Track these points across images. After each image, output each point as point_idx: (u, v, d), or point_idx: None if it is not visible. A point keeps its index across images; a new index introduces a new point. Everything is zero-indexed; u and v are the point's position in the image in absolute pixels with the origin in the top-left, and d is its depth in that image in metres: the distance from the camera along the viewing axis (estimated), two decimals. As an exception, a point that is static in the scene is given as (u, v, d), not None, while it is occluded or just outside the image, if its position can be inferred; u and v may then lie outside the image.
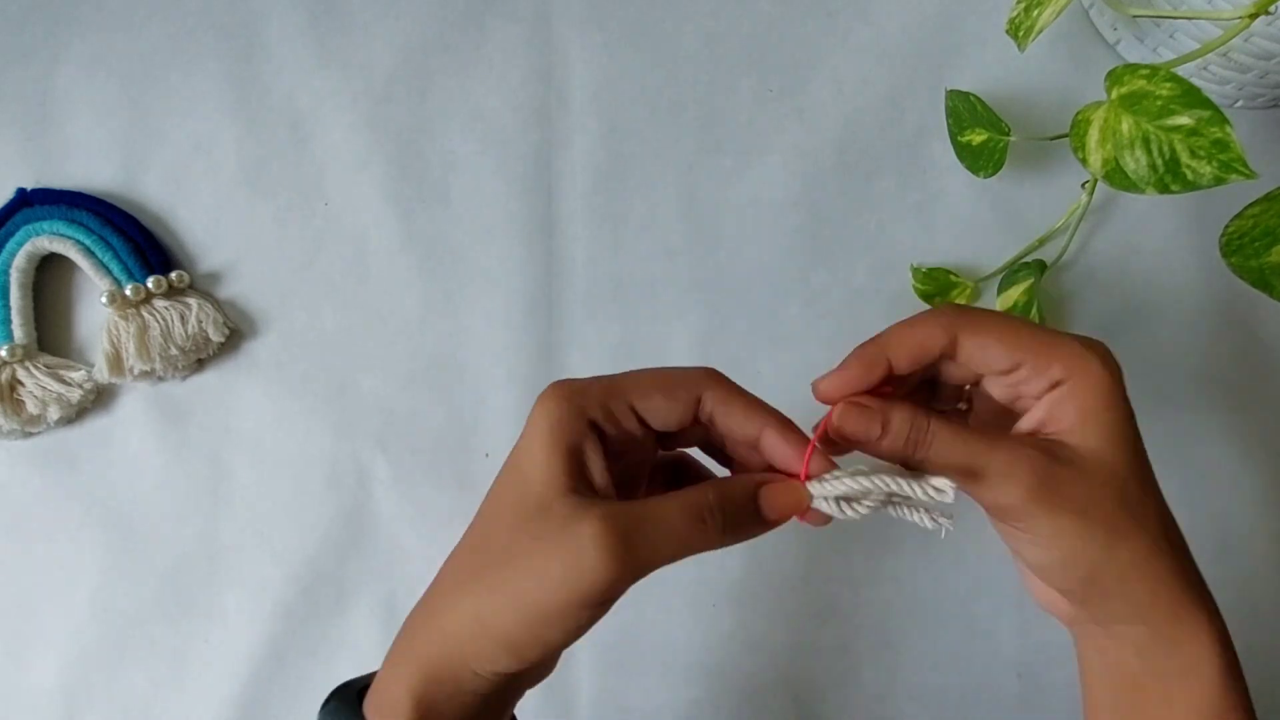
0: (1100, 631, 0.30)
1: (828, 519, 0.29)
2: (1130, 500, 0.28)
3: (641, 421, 0.29)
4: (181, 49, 0.56)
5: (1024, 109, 0.51)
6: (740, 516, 0.28)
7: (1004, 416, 0.31)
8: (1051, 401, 0.28)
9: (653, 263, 0.51)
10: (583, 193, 0.52)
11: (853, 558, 0.47)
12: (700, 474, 0.34)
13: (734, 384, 0.30)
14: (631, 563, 0.25)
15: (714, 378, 0.30)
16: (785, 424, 0.29)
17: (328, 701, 0.30)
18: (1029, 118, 0.50)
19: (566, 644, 0.27)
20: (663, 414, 0.29)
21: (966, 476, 0.28)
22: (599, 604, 0.26)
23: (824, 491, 0.28)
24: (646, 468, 0.32)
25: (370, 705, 0.29)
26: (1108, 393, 0.28)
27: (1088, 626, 0.31)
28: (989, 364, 0.29)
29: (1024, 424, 0.29)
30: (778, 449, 0.29)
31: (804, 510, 0.29)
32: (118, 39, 0.56)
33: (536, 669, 0.30)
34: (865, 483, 0.28)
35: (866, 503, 0.29)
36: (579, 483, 0.27)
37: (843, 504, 0.29)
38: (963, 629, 0.46)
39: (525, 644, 0.26)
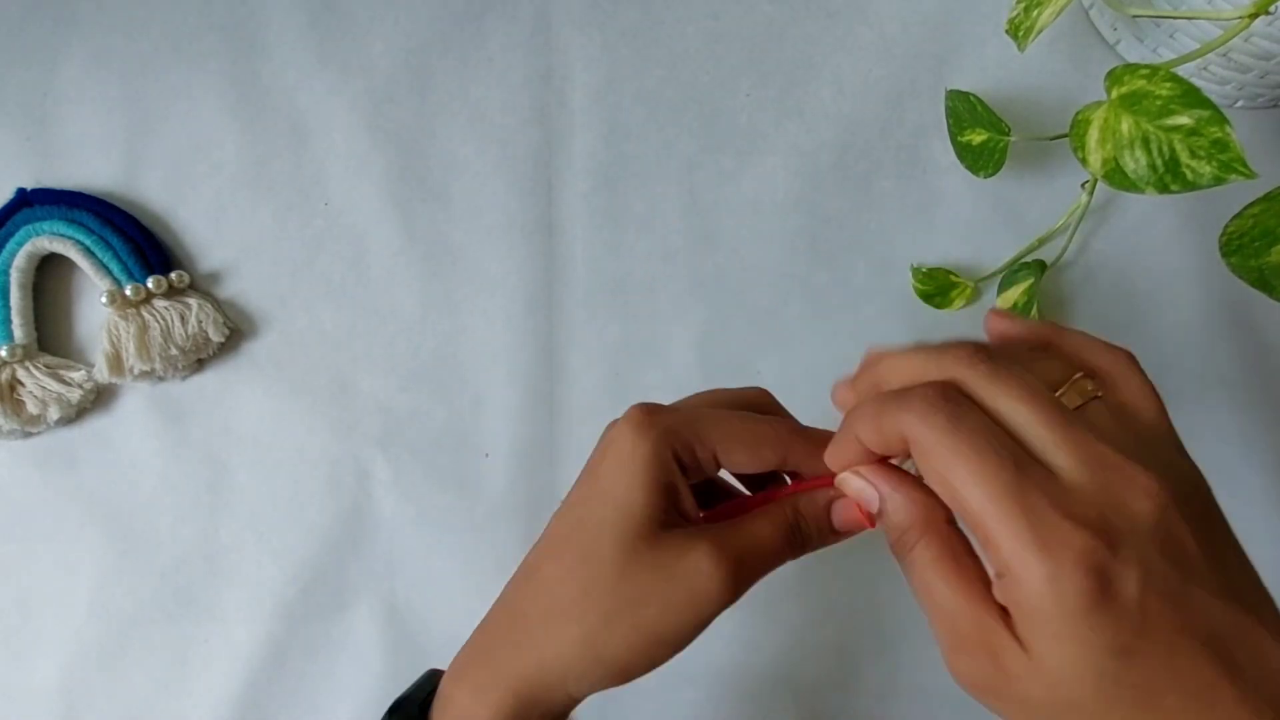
0: None
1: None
2: None
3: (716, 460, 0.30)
4: (181, 49, 0.56)
5: (1024, 109, 0.51)
6: (818, 529, 0.29)
7: None
8: (999, 586, 0.23)
9: (653, 263, 0.51)
10: (583, 193, 0.52)
11: (853, 558, 0.47)
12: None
13: (818, 440, 0.29)
14: (743, 583, 0.28)
15: (800, 438, 0.29)
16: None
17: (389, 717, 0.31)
18: (1029, 118, 0.50)
19: (667, 660, 0.28)
20: (742, 465, 0.30)
21: None
22: (709, 623, 0.28)
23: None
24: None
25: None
26: (1049, 615, 0.21)
27: None
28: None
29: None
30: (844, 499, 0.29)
31: (871, 523, 0.29)
32: (118, 39, 0.56)
33: None
34: None
35: None
36: (676, 515, 0.29)
37: None
38: (963, 629, 0.46)
39: (638, 666, 0.28)
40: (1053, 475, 0.22)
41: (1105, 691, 0.21)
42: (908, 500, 0.26)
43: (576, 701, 0.29)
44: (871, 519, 0.28)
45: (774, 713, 0.45)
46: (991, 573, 0.23)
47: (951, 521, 0.26)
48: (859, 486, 0.27)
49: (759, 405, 0.32)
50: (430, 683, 0.31)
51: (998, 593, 0.23)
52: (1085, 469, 0.22)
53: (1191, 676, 0.21)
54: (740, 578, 0.28)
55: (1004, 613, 0.23)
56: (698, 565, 0.27)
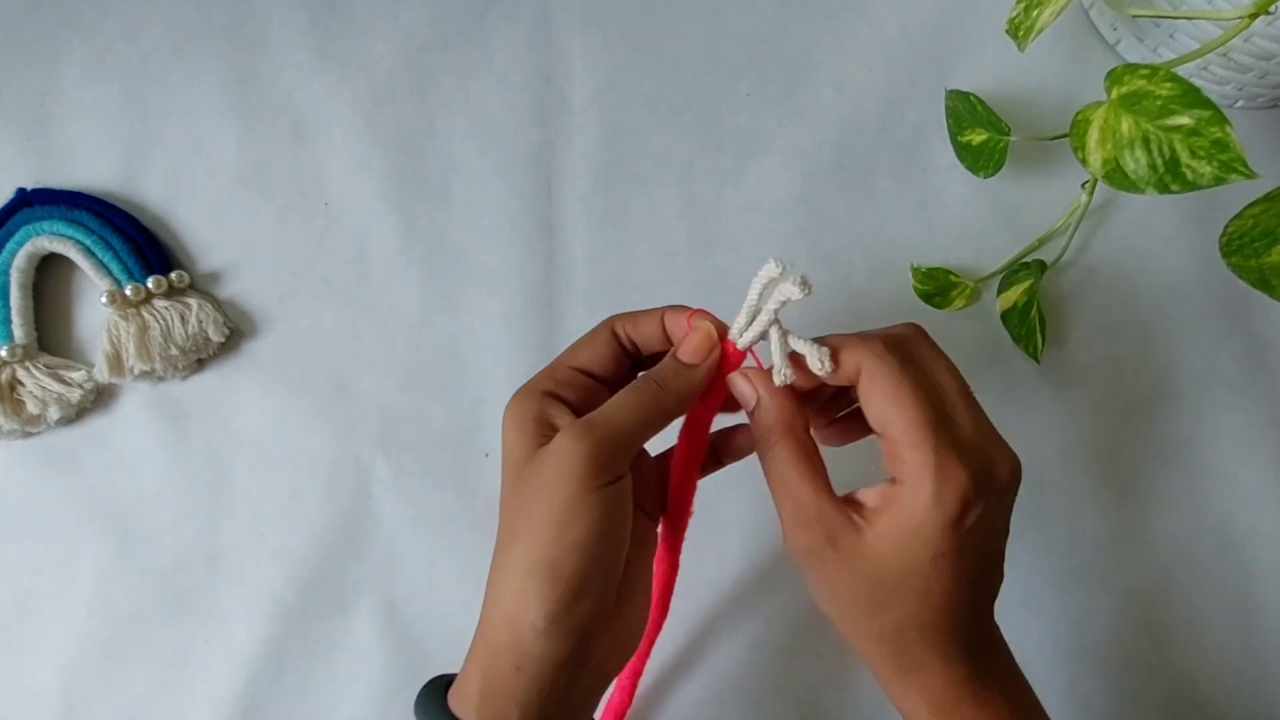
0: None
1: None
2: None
3: (589, 375, 0.34)
4: (181, 49, 0.56)
5: (1024, 109, 0.51)
6: (672, 369, 0.33)
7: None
8: (889, 489, 0.31)
9: (653, 263, 0.51)
10: (583, 193, 0.52)
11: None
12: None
13: (634, 313, 0.35)
14: (599, 434, 0.30)
15: (619, 314, 0.35)
16: (679, 307, 0.34)
17: (419, 699, 0.33)
18: (1029, 118, 0.50)
19: (594, 542, 0.30)
20: (595, 357, 0.34)
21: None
22: (596, 485, 0.30)
23: (736, 335, 0.33)
24: None
25: (452, 694, 0.32)
26: (920, 518, 0.30)
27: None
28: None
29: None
30: (674, 321, 0.34)
31: (714, 345, 0.33)
32: (118, 39, 0.56)
33: (603, 631, 0.31)
34: (763, 324, 0.32)
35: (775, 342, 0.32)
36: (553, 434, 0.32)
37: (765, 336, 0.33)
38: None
39: (558, 558, 0.29)
40: (956, 425, 0.30)
41: (907, 578, 0.30)
42: (778, 405, 0.32)
43: (548, 638, 0.29)
44: (713, 344, 0.33)
45: (774, 712, 0.45)
46: (868, 490, 0.31)
47: (807, 430, 0.33)
48: (743, 386, 0.33)
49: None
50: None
51: (882, 493, 0.31)
52: (977, 432, 0.31)
53: (966, 585, 0.30)
54: (596, 430, 0.30)
55: (841, 503, 0.31)
56: (557, 445, 0.30)
